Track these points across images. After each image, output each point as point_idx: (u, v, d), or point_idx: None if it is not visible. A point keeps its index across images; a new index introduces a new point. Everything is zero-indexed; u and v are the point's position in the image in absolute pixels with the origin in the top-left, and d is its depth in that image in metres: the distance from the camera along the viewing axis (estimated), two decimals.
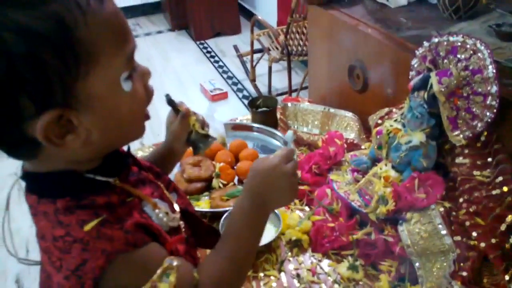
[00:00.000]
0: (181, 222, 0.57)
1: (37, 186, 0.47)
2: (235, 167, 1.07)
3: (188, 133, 0.67)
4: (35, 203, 0.46)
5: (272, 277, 0.79)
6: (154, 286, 0.45)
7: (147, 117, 0.51)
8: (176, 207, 0.58)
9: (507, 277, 0.66)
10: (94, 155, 0.47)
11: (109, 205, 0.47)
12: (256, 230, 0.55)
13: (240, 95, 2.82)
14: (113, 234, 0.44)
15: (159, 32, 3.83)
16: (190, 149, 0.71)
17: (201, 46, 3.48)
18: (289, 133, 0.54)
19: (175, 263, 0.46)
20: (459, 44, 0.76)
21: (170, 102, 0.66)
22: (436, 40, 0.79)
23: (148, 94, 0.49)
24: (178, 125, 0.67)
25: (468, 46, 0.75)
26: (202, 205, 0.97)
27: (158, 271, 0.45)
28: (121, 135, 0.48)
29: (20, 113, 0.40)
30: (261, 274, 0.79)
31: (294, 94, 2.47)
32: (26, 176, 0.47)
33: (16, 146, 0.43)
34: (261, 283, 0.78)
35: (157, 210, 0.52)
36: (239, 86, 2.92)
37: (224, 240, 0.55)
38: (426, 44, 0.82)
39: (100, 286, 0.43)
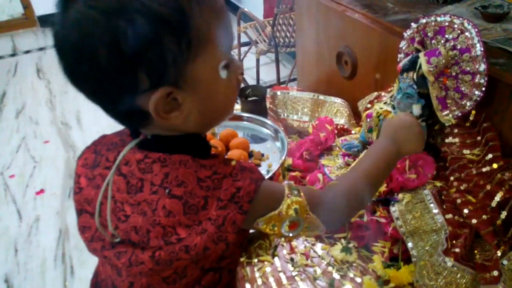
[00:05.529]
0: None
1: (167, 145, 0.52)
2: (226, 156, 1.06)
3: None
4: (163, 157, 0.51)
5: (266, 262, 0.79)
6: (289, 201, 0.52)
7: (236, 98, 0.58)
8: None
9: (499, 253, 0.66)
10: (194, 130, 0.53)
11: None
12: (387, 164, 0.63)
13: None
14: (251, 167, 0.52)
15: None
16: None
17: None
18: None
19: (292, 183, 0.55)
20: (447, 24, 0.76)
21: None
22: (423, 21, 0.80)
23: (238, 84, 0.55)
24: None
25: (455, 26, 0.75)
26: None
27: (286, 190, 0.52)
28: (215, 115, 0.54)
29: (136, 87, 0.45)
30: (255, 260, 0.79)
31: None
32: (155, 137, 0.52)
33: (128, 115, 0.49)
34: (255, 268, 0.78)
35: None
36: None
37: (361, 162, 0.65)
38: (414, 25, 0.82)
39: (251, 210, 0.49)
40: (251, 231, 0.59)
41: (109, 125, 0.61)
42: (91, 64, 0.44)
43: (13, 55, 3.66)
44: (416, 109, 0.79)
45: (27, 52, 3.67)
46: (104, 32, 0.42)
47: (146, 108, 0.47)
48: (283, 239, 0.84)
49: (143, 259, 0.51)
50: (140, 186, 0.51)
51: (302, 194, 0.54)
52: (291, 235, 0.54)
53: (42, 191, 2.11)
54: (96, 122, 2.54)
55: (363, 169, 0.62)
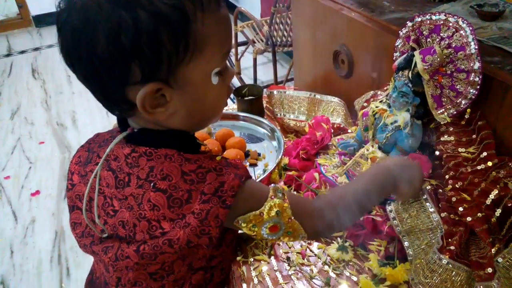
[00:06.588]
0: None
1: (153, 139, 0.53)
2: (222, 155, 1.06)
3: None
4: (149, 151, 0.51)
5: (262, 262, 0.79)
6: (271, 203, 0.53)
7: (225, 104, 0.59)
8: None
9: (493, 250, 0.66)
10: (180, 128, 0.54)
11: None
12: (381, 190, 0.65)
13: None
14: (237, 163, 0.53)
15: None
16: None
17: None
18: None
19: (279, 185, 0.56)
20: (442, 22, 0.76)
21: None
22: (419, 19, 0.80)
23: (228, 92, 0.56)
24: None
25: (450, 24, 0.75)
26: None
27: (270, 192, 0.53)
28: (202, 118, 0.55)
29: (128, 77, 0.46)
30: (251, 259, 0.79)
31: None
32: (142, 131, 0.53)
33: (115, 103, 0.51)
34: (251, 268, 0.77)
35: None
36: None
37: (359, 179, 0.66)
38: (409, 24, 0.82)
39: (234, 205, 0.50)
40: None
41: (104, 126, 0.61)
42: (88, 48, 0.45)
43: (8, 55, 3.64)
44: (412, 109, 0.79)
45: (22, 52, 3.65)
46: (106, 20, 0.43)
47: (133, 100, 0.48)
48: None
49: (128, 253, 0.51)
50: (128, 180, 0.51)
51: (286, 198, 0.54)
52: (271, 238, 0.54)
53: (37, 192, 2.10)
54: (92, 123, 2.53)
55: (356, 188, 0.62)
